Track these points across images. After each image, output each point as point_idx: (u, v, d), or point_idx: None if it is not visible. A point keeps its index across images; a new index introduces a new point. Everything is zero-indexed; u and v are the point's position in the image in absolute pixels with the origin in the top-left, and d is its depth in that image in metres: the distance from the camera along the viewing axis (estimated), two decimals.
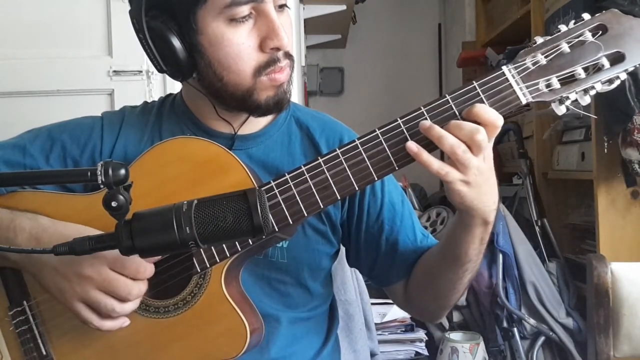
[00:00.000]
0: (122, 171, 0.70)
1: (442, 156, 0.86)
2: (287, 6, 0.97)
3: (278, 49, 0.93)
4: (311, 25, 3.11)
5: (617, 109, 1.72)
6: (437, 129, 0.84)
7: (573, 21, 0.87)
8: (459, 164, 0.84)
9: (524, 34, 2.78)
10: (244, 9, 0.91)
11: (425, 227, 2.58)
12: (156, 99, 1.15)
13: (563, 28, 0.87)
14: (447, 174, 0.84)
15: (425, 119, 0.86)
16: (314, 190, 0.88)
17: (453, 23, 3.91)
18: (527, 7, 2.65)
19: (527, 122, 2.67)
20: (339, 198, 0.88)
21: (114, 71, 1.71)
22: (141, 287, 0.86)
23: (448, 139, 0.83)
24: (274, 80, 0.95)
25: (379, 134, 0.87)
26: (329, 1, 2.77)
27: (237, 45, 0.92)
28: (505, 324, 2.13)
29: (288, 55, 0.96)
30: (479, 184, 0.86)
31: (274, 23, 0.92)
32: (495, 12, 3.35)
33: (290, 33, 0.96)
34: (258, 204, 0.71)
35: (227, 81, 0.95)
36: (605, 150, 1.89)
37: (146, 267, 0.85)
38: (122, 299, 0.85)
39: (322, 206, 0.88)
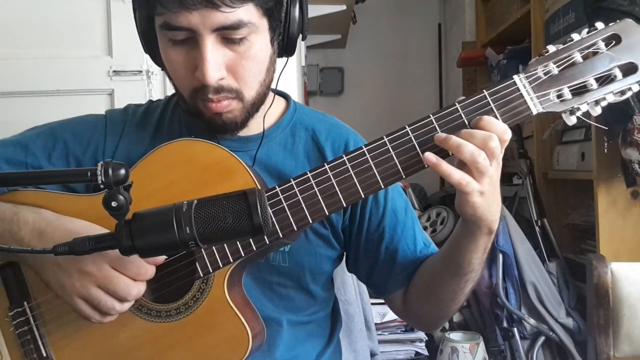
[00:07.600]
0: (122, 171, 0.70)
1: None
2: (247, 39, 0.90)
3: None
4: (311, 25, 3.10)
5: (617, 109, 1.71)
6: (455, 138, 0.82)
7: (586, 30, 0.86)
8: (477, 173, 0.82)
9: (524, 34, 2.77)
10: (177, 34, 0.89)
11: (425, 227, 2.58)
12: (155, 99, 1.15)
13: (576, 37, 0.85)
14: (468, 184, 0.82)
15: (434, 127, 0.85)
16: (319, 197, 0.87)
17: (453, 23, 3.91)
18: (527, 7, 2.64)
19: (527, 122, 2.66)
20: (344, 205, 0.87)
21: (114, 71, 1.71)
22: (141, 288, 0.85)
23: (468, 147, 0.81)
24: (208, 108, 0.93)
25: (387, 142, 0.86)
26: (329, 1, 2.76)
27: (175, 64, 0.92)
28: (505, 324, 2.12)
29: (228, 90, 0.92)
30: (489, 194, 0.84)
31: (202, 57, 0.88)
32: (495, 12, 3.34)
33: (249, 66, 0.92)
34: (258, 204, 0.70)
35: (178, 89, 0.97)
36: (605, 150, 1.89)
37: (147, 269, 0.85)
38: (121, 299, 0.85)
39: (327, 213, 0.87)
